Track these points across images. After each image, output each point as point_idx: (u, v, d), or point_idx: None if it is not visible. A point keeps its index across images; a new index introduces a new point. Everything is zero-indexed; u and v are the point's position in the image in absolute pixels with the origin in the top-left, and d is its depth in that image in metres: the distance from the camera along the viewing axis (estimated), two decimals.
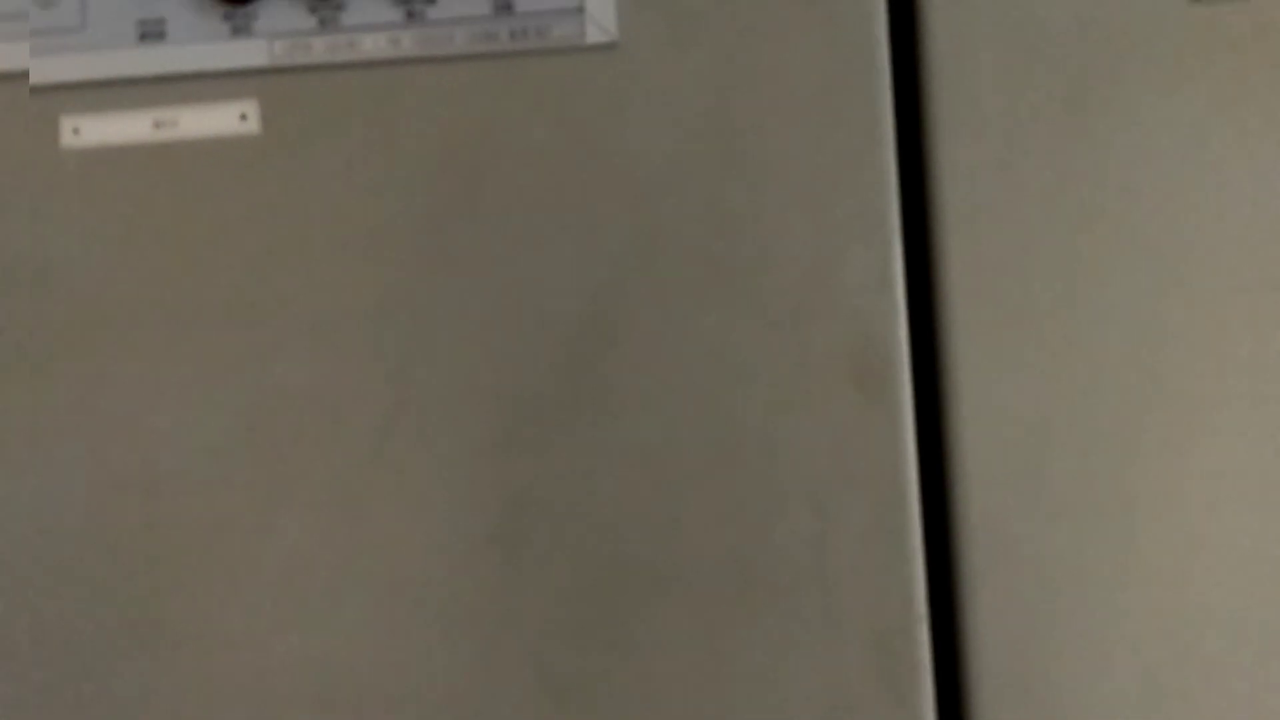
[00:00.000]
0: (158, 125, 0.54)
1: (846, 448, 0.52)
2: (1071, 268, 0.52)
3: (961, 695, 0.52)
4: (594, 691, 0.52)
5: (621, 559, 0.52)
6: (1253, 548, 0.52)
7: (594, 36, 0.52)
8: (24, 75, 0.54)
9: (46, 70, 0.53)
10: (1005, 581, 0.52)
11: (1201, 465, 0.52)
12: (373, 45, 0.53)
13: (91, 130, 0.54)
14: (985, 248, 0.52)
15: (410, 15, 0.53)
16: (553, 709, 0.52)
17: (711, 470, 0.52)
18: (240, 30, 0.53)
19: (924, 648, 0.52)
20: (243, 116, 0.53)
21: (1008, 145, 0.52)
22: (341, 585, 0.53)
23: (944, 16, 0.53)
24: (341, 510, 0.53)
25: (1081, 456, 0.52)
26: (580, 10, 0.52)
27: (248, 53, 0.53)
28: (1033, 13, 0.52)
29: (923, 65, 0.53)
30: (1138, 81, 0.52)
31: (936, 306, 0.53)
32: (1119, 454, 0.52)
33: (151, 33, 0.53)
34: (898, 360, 0.52)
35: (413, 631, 0.53)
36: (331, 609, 0.53)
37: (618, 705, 0.52)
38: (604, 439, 0.52)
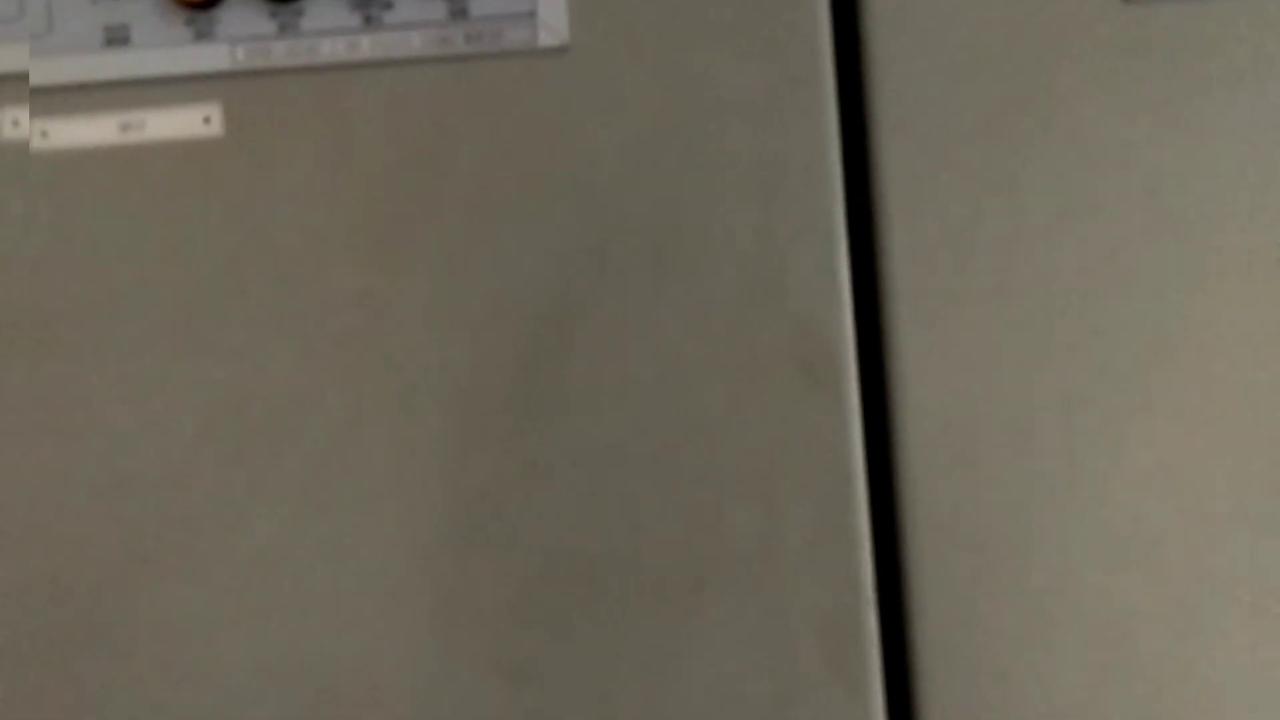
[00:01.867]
0: (124, 128, 0.55)
1: (795, 437, 0.53)
2: (1011, 259, 0.54)
3: (910, 679, 0.54)
4: (549, 678, 0.53)
5: (576, 550, 0.54)
6: (1191, 536, 0.53)
7: (546, 40, 0.54)
8: None
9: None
10: (951, 566, 0.53)
11: (1140, 452, 0.53)
12: (331, 49, 0.54)
13: (59, 133, 0.55)
14: (927, 241, 0.54)
15: (368, 20, 0.54)
16: (508, 696, 0.54)
17: (663, 462, 0.54)
18: (203, 35, 0.54)
19: (872, 632, 0.53)
20: (206, 119, 0.55)
21: (948, 142, 0.54)
22: (306, 579, 0.54)
23: (885, 19, 0.54)
24: (305, 506, 0.54)
25: (1023, 442, 0.53)
26: (532, 15, 0.54)
27: (210, 57, 0.54)
28: (971, 15, 0.54)
29: (865, 65, 0.54)
30: (1073, 80, 0.53)
31: (881, 299, 0.54)
32: (1059, 440, 0.53)
33: (117, 38, 0.55)
34: (844, 352, 0.54)
35: (375, 622, 0.54)
36: (296, 602, 0.54)
37: (572, 690, 0.53)
38: (559, 434, 0.54)
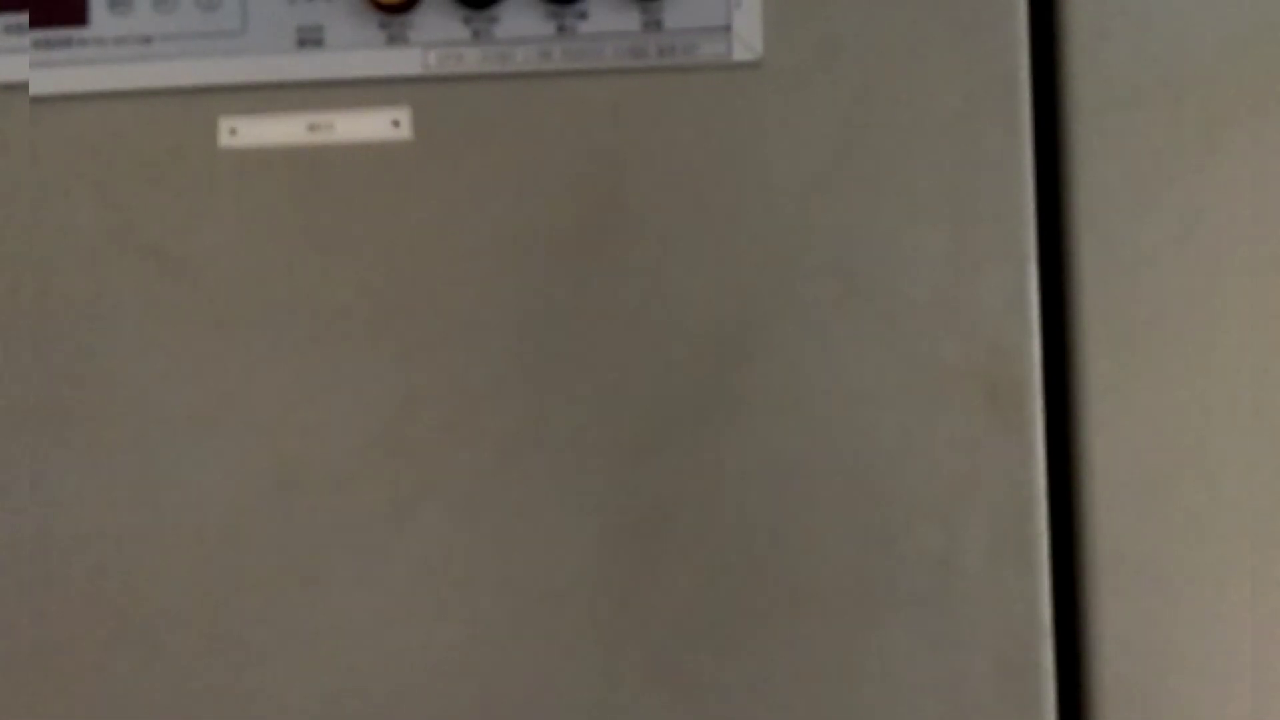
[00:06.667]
0: (312, 128, 0.55)
1: (976, 464, 0.53)
2: (1204, 290, 0.53)
3: (1084, 712, 0.53)
4: (716, 691, 0.53)
5: (751, 567, 0.53)
6: None
7: (740, 54, 0.54)
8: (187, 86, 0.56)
9: (206, 72, 0.55)
10: (1130, 599, 0.53)
11: None
12: (524, 57, 0.54)
13: (248, 131, 0.55)
14: (1119, 268, 0.53)
15: (562, 29, 0.54)
16: (673, 708, 0.53)
17: (842, 483, 0.53)
18: (396, 39, 0.55)
19: (1048, 663, 0.53)
20: (395, 123, 0.55)
21: (1144, 166, 0.53)
22: (474, 584, 0.54)
23: (1085, 39, 0.54)
24: (477, 511, 0.54)
25: (1209, 477, 0.53)
26: (727, 29, 0.54)
27: (402, 61, 0.55)
28: (1173, 41, 0.53)
29: (1062, 86, 0.54)
30: (1277, 110, 0.52)
31: (1069, 326, 0.53)
32: (1246, 475, 0.52)
33: (309, 39, 0.55)
34: (1030, 379, 0.53)
35: (541, 631, 0.54)
36: (463, 606, 0.54)
37: (738, 705, 0.53)
38: (738, 450, 0.53)
